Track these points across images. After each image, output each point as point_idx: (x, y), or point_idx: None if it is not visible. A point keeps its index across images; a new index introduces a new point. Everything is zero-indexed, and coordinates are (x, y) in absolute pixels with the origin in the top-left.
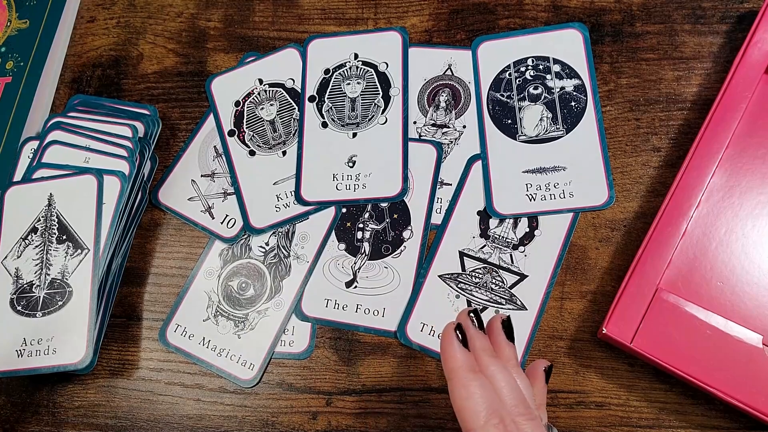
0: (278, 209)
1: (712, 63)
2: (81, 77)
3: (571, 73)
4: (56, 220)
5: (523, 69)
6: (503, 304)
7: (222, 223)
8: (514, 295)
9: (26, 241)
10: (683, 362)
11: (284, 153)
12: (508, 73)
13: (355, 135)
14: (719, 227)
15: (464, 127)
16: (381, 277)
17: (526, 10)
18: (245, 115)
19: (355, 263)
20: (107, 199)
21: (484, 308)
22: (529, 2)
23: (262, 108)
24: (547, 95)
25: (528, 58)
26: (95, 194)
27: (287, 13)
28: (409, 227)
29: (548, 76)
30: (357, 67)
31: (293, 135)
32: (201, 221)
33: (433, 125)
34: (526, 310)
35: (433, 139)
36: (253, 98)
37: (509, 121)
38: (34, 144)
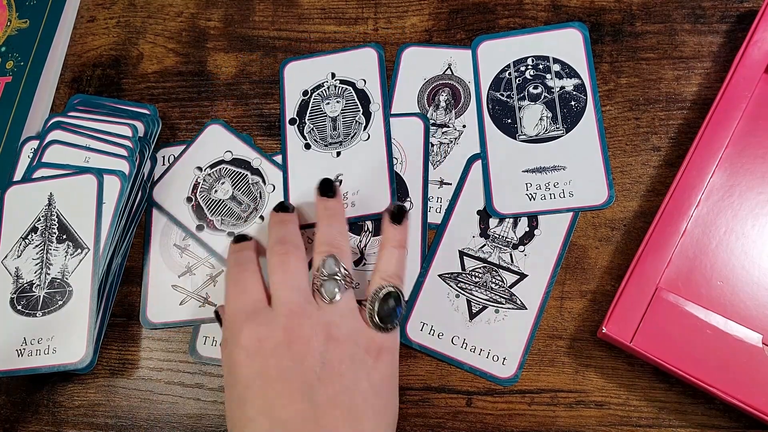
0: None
1: (712, 62)
2: (81, 77)
3: (571, 73)
4: (56, 219)
5: (522, 68)
6: (503, 303)
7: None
8: (514, 295)
9: (26, 240)
10: (683, 362)
11: (338, 154)
12: (507, 72)
13: (339, 154)
14: (719, 226)
15: (464, 126)
16: None
17: (526, 9)
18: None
19: (360, 241)
20: (107, 198)
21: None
22: (529, 2)
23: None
24: (546, 95)
25: (528, 57)
26: (95, 194)
27: (287, 13)
28: (408, 199)
29: (548, 76)
30: (335, 86)
31: (351, 137)
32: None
33: (433, 125)
34: (526, 309)
35: (418, 111)
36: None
37: (509, 121)
38: (34, 143)
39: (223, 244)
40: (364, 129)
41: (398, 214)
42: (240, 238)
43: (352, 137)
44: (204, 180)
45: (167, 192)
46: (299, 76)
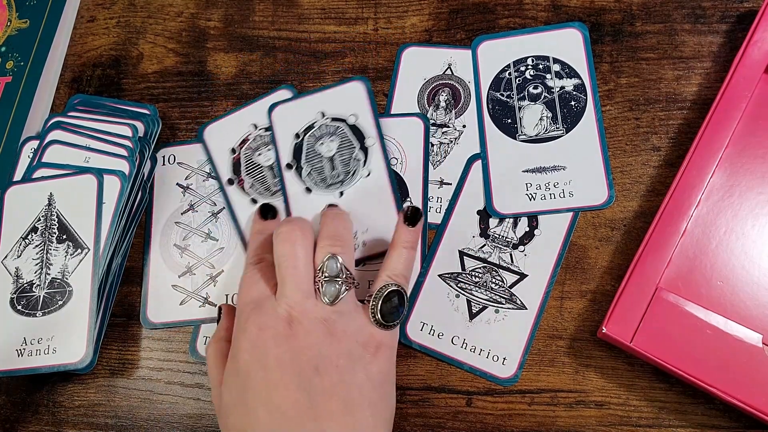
0: None
1: (712, 62)
2: (81, 77)
3: (571, 73)
4: (56, 219)
5: (522, 68)
6: (503, 303)
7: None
8: (514, 295)
9: (26, 240)
10: (683, 362)
11: (341, 194)
12: (507, 72)
13: (342, 194)
14: (719, 226)
15: (464, 126)
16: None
17: (526, 9)
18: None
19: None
20: (107, 198)
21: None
22: (529, 2)
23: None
24: (546, 95)
25: (528, 57)
26: (95, 194)
27: (287, 13)
28: (408, 199)
29: (548, 76)
30: (327, 125)
31: (352, 175)
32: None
33: (433, 125)
34: (526, 309)
35: (417, 111)
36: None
37: (509, 121)
38: (34, 143)
39: (245, 208)
40: (364, 165)
41: (413, 216)
42: (266, 212)
43: (352, 175)
44: (254, 139)
45: (217, 135)
46: (288, 119)
